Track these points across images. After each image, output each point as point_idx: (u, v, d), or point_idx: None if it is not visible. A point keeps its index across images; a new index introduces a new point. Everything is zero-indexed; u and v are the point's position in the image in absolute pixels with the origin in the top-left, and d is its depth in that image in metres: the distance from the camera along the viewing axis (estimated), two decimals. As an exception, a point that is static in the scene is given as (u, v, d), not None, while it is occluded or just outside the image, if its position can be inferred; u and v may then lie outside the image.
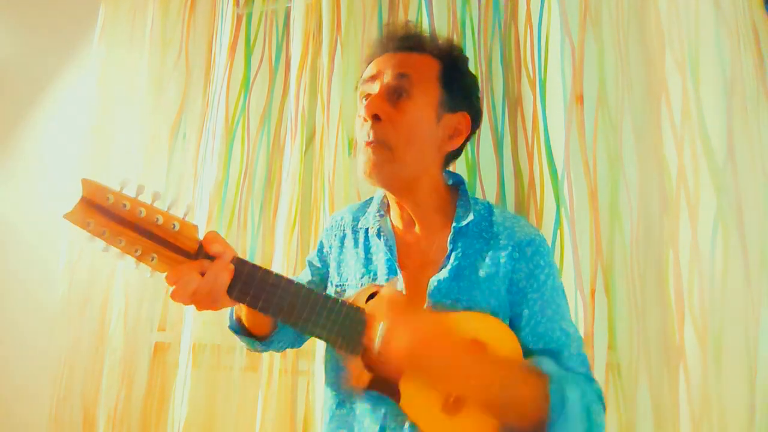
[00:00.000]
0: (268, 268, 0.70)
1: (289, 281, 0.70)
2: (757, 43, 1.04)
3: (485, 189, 1.31)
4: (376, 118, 0.76)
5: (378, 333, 0.63)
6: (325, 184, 1.39)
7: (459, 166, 1.31)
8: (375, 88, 0.79)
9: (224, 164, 1.60)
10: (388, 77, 0.78)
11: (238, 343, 1.48)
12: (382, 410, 0.75)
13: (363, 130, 0.78)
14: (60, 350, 1.62)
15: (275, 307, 0.70)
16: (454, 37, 1.34)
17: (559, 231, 1.18)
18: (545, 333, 0.75)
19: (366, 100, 0.80)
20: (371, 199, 0.92)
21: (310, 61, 1.50)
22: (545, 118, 1.22)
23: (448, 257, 0.79)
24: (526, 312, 0.76)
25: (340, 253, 0.89)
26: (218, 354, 1.50)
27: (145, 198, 0.64)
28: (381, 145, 0.76)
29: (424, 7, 1.33)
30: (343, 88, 1.43)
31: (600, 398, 0.72)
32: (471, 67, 0.88)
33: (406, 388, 0.71)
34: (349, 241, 0.89)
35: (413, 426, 0.72)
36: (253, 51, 1.67)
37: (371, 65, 0.83)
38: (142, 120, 1.67)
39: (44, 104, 2.02)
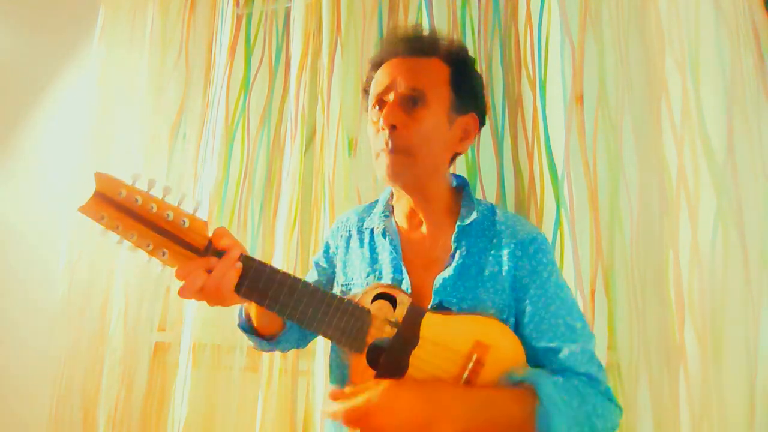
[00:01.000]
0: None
1: (296, 279, 0.72)
2: (757, 43, 1.04)
3: (485, 189, 1.31)
4: (393, 128, 0.78)
5: None
6: (325, 184, 1.39)
7: (459, 166, 1.31)
8: (390, 96, 0.81)
9: (224, 164, 1.60)
10: (402, 87, 0.80)
11: (238, 343, 1.50)
12: None
13: (380, 137, 0.80)
14: (60, 350, 1.62)
15: (281, 304, 0.71)
16: (455, 37, 1.34)
17: (559, 231, 1.18)
18: (548, 329, 0.75)
19: (379, 106, 0.82)
20: (376, 201, 0.94)
21: (310, 61, 1.50)
22: (545, 118, 1.22)
23: (453, 255, 0.80)
24: (529, 309, 0.77)
25: (346, 253, 0.91)
26: (218, 354, 1.50)
27: (156, 193, 0.66)
28: (401, 153, 0.78)
29: (424, 7, 1.33)
30: (343, 88, 1.43)
31: (609, 398, 0.73)
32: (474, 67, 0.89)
33: None
34: (354, 242, 0.90)
35: None
36: (253, 51, 1.67)
37: (383, 72, 0.83)
38: (142, 120, 1.67)
39: (44, 104, 2.02)
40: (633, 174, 1.13)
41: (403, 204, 0.87)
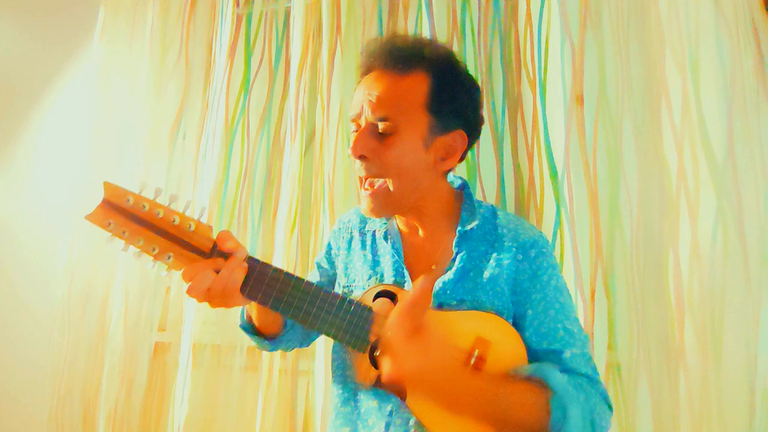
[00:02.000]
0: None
1: (298, 279, 0.73)
2: (757, 43, 1.04)
3: (485, 189, 1.31)
4: (362, 158, 0.77)
5: (383, 362, 0.64)
6: (325, 184, 1.39)
7: (459, 166, 1.31)
8: (362, 120, 0.79)
9: (224, 164, 1.60)
10: (369, 116, 0.77)
11: (239, 343, 1.50)
12: (388, 407, 0.76)
13: (355, 164, 0.79)
14: (60, 350, 1.62)
15: (285, 303, 0.72)
16: (454, 38, 1.34)
17: (559, 231, 1.18)
18: (548, 333, 0.75)
19: (355, 127, 0.80)
20: None
21: (310, 61, 1.50)
22: (545, 118, 1.22)
23: (453, 260, 0.80)
24: (529, 312, 0.76)
25: (348, 254, 0.91)
26: (218, 354, 1.50)
27: (163, 201, 0.68)
28: (374, 184, 0.78)
29: (424, 8, 1.33)
30: (343, 89, 1.43)
31: (605, 399, 0.73)
32: (471, 68, 0.87)
33: None
34: (356, 243, 0.90)
35: (419, 423, 0.73)
36: (253, 51, 1.67)
37: (359, 90, 0.80)
38: (142, 120, 1.67)
39: (44, 104, 2.02)
40: (633, 174, 1.13)
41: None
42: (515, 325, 0.77)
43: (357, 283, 0.86)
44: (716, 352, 0.96)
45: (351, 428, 0.79)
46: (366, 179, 0.78)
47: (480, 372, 0.71)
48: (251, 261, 0.71)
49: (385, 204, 0.78)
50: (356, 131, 0.79)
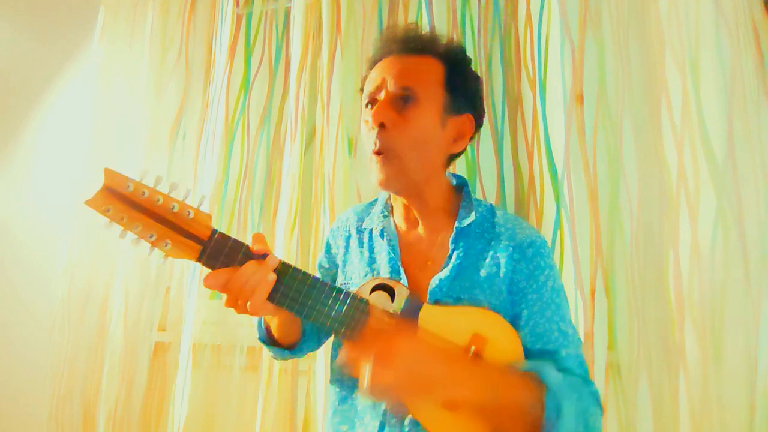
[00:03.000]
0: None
1: (296, 269, 0.74)
2: (757, 43, 1.04)
3: (485, 189, 1.31)
4: (382, 126, 0.77)
5: (363, 376, 0.63)
6: (325, 184, 1.39)
7: (459, 166, 1.31)
8: (381, 94, 0.80)
9: (224, 164, 1.60)
10: (392, 86, 0.79)
11: (238, 343, 1.50)
12: (384, 405, 0.76)
13: (370, 138, 0.80)
14: (60, 350, 1.62)
15: (281, 294, 0.72)
16: (454, 37, 1.34)
17: (559, 231, 1.18)
18: (543, 333, 0.75)
19: (372, 105, 0.81)
20: (376, 200, 0.95)
21: (310, 61, 1.50)
22: (545, 118, 1.22)
23: (450, 256, 0.80)
24: (525, 312, 0.77)
25: (346, 252, 0.91)
26: (218, 354, 1.50)
27: (163, 188, 0.69)
28: (388, 154, 0.78)
29: (424, 7, 1.33)
30: (343, 88, 1.43)
31: (597, 400, 0.73)
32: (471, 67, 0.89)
33: None
34: (353, 241, 0.91)
35: (414, 421, 0.73)
36: (253, 51, 1.67)
37: (375, 70, 0.83)
38: (142, 120, 1.67)
39: (44, 104, 2.02)
40: (633, 174, 1.13)
41: (399, 204, 0.87)
42: (511, 324, 0.77)
43: (354, 280, 0.87)
44: (716, 352, 0.96)
45: (348, 426, 0.79)
46: (380, 153, 0.78)
47: (477, 361, 0.71)
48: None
49: (395, 174, 0.78)
50: (373, 106, 0.80)
